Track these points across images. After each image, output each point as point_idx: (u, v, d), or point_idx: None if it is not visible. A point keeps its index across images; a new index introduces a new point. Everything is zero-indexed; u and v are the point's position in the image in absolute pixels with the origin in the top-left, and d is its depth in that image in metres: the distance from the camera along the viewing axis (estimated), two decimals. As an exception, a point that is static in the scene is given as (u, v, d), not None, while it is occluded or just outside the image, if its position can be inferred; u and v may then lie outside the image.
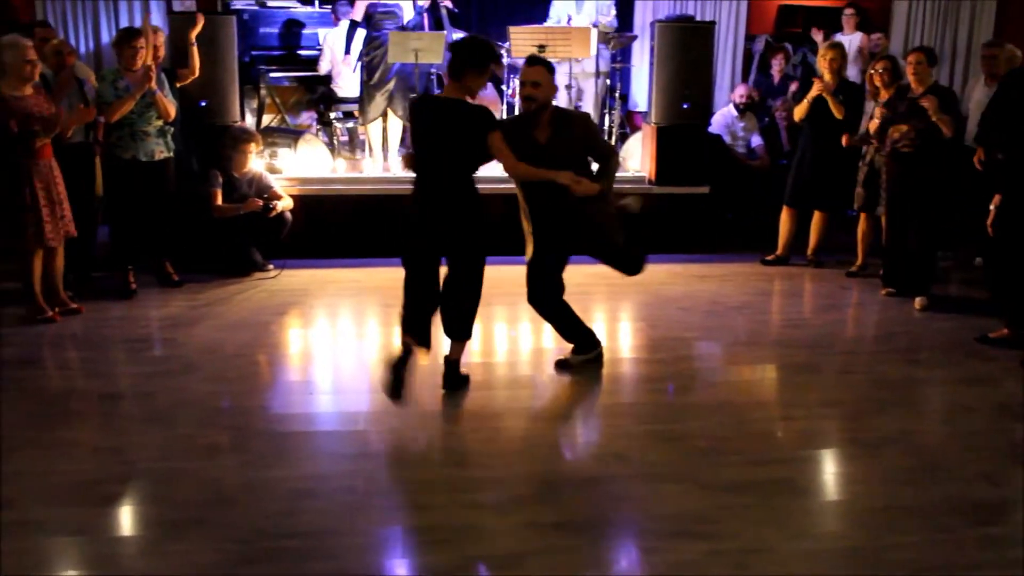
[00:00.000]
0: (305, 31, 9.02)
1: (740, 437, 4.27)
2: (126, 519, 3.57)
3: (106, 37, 8.98)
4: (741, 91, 8.57)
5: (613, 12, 8.31)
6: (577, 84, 8.15)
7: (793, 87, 8.32)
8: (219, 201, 6.73)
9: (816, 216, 7.36)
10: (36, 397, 4.64)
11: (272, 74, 8.82)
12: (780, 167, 8.25)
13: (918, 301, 6.31)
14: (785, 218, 7.40)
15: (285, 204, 6.93)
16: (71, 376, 5.01)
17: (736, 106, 8.52)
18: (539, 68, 4.60)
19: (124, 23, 8.96)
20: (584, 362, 5.11)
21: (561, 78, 8.06)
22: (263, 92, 8.71)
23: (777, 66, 9.00)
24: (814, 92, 6.94)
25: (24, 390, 4.68)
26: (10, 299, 5.96)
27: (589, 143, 4.81)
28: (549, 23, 8.16)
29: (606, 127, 8.49)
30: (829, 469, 4.09)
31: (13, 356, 5.20)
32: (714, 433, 4.29)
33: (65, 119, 5.62)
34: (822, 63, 7.08)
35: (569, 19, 8.03)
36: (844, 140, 6.86)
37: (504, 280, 6.87)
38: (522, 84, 4.63)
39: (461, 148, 4.37)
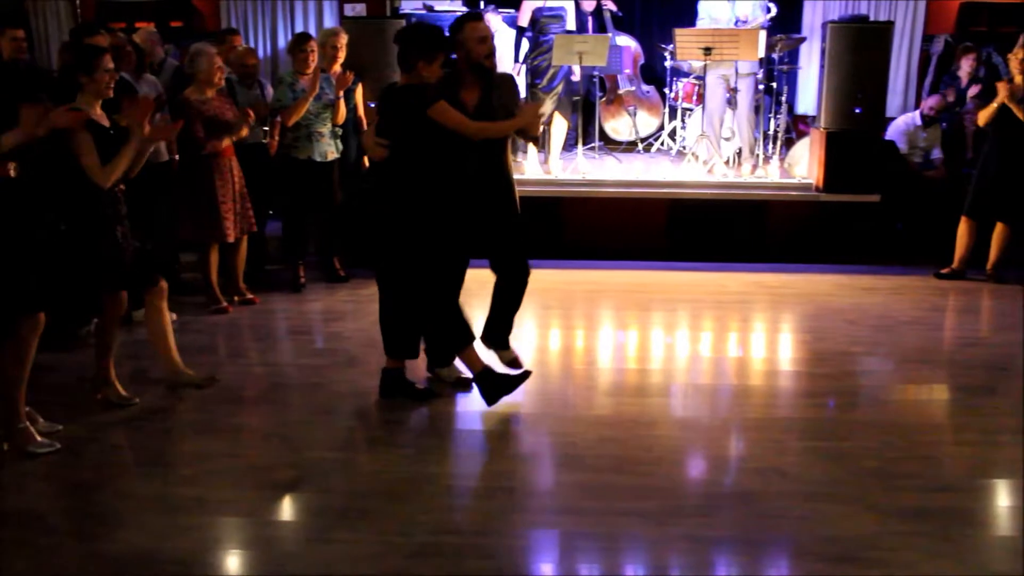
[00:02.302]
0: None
1: (911, 460, 4.05)
2: (293, 505, 3.72)
3: (282, 42, 9.42)
4: (933, 102, 8.07)
5: (770, 13, 8.01)
6: (741, 86, 7.95)
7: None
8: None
9: (998, 228, 6.91)
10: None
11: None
12: (962, 176, 7.79)
13: (1114, 323, 5.84)
14: (963, 229, 6.99)
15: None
16: (243, 364, 5.27)
17: (923, 116, 8.07)
18: (483, 22, 4.38)
19: (300, 28, 9.37)
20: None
21: (731, 79, 7.92)
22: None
23: (967, 67, 8.43)
24: (1001, 97, 6.52)
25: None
26: (193, 288, 6.34)
27: (512, 105, 4.45)
28: (701, 24, 7.98)
29: (770, 131, 8.26)
30: (1008, 501, 3.82)
31: (192, 343, 5.51)
32: (882, 454, 4.09)
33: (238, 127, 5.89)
34: (1013, 64, 6.64)
35: (741, 21, 7.82)
36: None
37: (664, 283, 6.81)
38: (482, 40, 4.30)
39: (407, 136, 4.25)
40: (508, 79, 4.71)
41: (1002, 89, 6.55)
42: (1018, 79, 6.55)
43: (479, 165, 4.44)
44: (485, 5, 8.80)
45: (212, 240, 5.86)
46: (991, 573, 3.24)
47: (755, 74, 8.01)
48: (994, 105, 6.60)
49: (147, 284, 4.57)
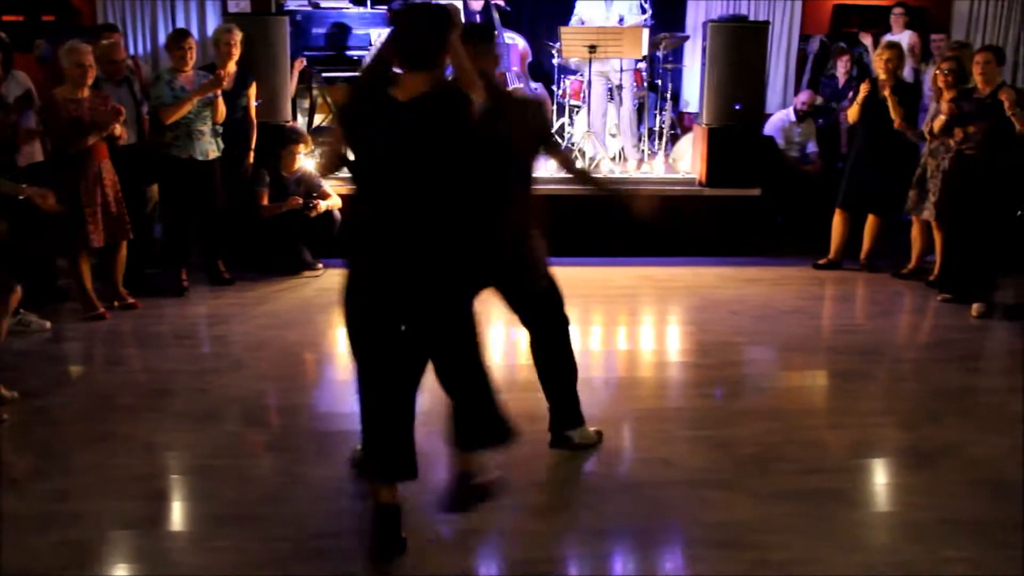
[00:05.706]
0: (357, 32, 9.05)
1: (790, 445, 4.20)
2: (176, 514, 3.62)
3: (163, 38, 9.12)
4: (804, 97, 8.38)
5: (646, 14, 8.19)
6: (623, 83, 8.10)
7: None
8: (265, 201, 6.79)
9: (870, 220, 7.22)
10: (90, 392, 4.72)
11: (324, 74, 8.88)
12: (837, 170, 8.10)
13: (975, 307, 6.15)
14: (838, 221, 7.28)
15: (332, 203, 6.96)
16: (123, 372, 5.08)
17: (796, 111, 8.36)
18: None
19: (181, 24, 9.10)
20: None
21: (614, 76, 8.05)
22: (315, 92, 8.78)
23: (843, 68, 8.77)
24: (863, 93, 6.85)
25: (78, 385, 4.76)
26: (70, 295, 6.09)
27: None
28: (573, 23, 8.13)
29: (655, 127, 8.43)
30: (882, 480, 4.01)
31: (69, 351, 5.31)
32: (763, 440, 4.23)
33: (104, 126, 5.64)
34: (878, 63, 6.95)
35: (621, 19, 7.97)
36: (897, 123, 6.71)
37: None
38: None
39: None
40: None
41: (863, 88, 6.87)
42: (883, 77, 6.85)
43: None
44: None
45: (77, 248, 5.63)
46: (862, 548, 3.38)
47: (633, 71, 8.17)
48: (857, 103, 6.90)
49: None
